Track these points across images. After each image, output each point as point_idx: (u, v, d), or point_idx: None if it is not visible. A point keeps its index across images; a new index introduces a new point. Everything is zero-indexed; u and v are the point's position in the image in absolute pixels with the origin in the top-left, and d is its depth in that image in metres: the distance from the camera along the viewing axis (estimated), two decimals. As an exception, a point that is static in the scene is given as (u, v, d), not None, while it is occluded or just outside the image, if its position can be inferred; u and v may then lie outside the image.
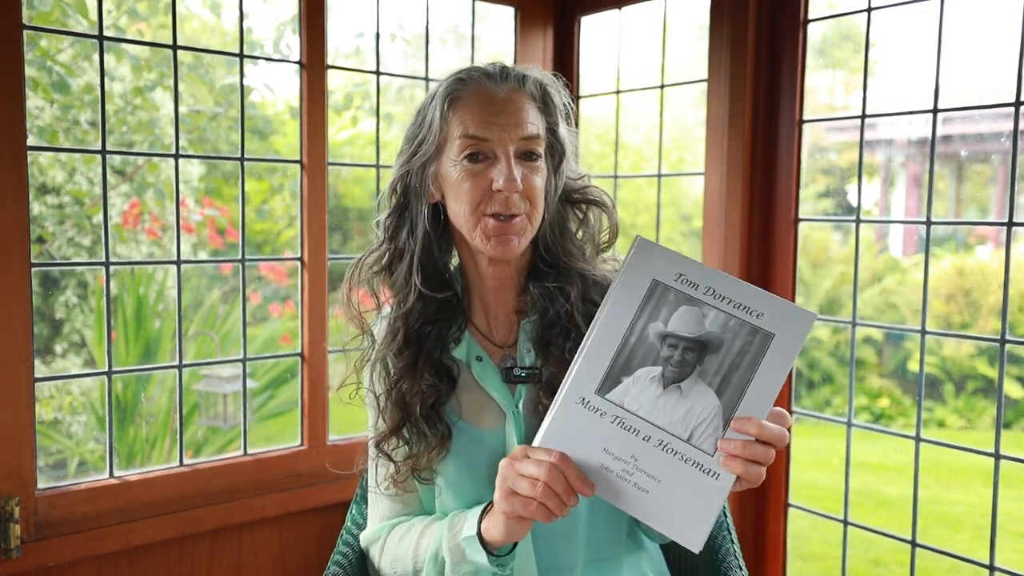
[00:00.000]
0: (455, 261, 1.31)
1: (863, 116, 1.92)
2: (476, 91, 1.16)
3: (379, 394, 1.25)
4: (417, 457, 1.21)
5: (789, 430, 1.00)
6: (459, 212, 1.17)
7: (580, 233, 1.29)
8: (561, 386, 1.03)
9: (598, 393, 1.01)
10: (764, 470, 0.99)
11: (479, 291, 1.27)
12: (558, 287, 1.22)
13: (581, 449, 1.01)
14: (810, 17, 1.97)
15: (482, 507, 1.13)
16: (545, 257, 1.26)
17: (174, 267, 1.97)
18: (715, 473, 0.98)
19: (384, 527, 1.30)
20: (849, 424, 1.99)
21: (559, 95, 1.23)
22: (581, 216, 1.29)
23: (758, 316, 0.99)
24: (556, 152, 1.23)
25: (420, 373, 1.21)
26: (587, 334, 1.04)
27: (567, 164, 1.25)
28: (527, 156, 1.16)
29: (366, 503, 1.53)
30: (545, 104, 1.20)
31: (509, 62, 1.24)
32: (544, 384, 1.20)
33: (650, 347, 1.01)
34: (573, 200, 1.28)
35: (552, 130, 1.21)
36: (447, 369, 1.23)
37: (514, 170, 1.13)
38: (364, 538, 1.35)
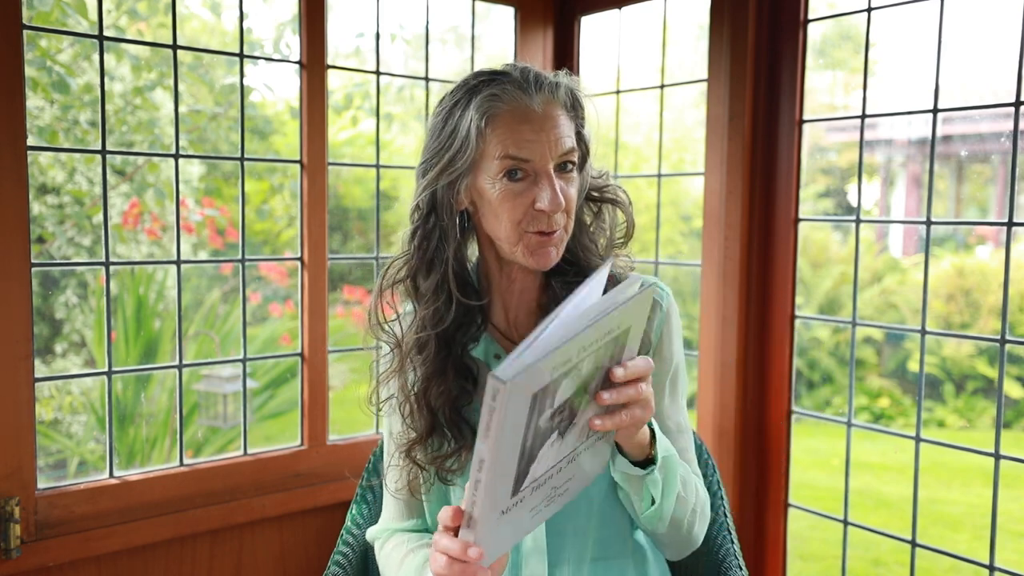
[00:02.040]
0: (472, 257, 1.31)
1: (863, 116, 1.92)
2: (513, 108, 1.14)
3: (403, 399, 1.25)
4: (443, 460, 1.22)
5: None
6: (498, 228, 1.17)
7: (592, 228, 1.30)
8: (468, 510, 0.92)
9: (513, 496, 0.94)
10: (640, 411, 0.98)
11: (501, 292, 1.27)
12: (578, 282, 1.22)
13: (515, 532, 0.99)
14: (810, 17, 1.97)
15: None
16: (565, 254, 1.26)
17: (174, 267, 1.97)
18: (599, 436, 1.02)
19: (386, 532, 1.35)
20: (849, 424, 1.99)
21: (583, 99, 1.23)
22: (595, 211, 1.29)
23: (619, 327, 0.93)
24: (581, 154, 1.23)
25: (447, 375, 1.21)
26: (476, 465, 0.88)
27: (590, 164, 1.26)
28: (562, 167, 1.17)
29: (366, 503, 1.53)
30: (575, 110, 1.20)
31: (523, 67, 1.22)
32: None
33: (546, 430, 0.92)
34: (591, 197, 1.29)
35: (579, 133, 1.21)
36: (469, 369, 1.23)
37: (557, 190, 1.13)
38: (369, 533, 1.39)
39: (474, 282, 1.27)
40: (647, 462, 1.11)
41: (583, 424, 0.97)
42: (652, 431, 1.11)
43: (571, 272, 1.26)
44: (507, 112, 1.13)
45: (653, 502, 1.13)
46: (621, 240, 1.31)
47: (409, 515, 1.33)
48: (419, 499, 1.31)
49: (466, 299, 1.21)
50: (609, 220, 1.29)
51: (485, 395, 0.82)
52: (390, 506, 1.35)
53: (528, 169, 1.14)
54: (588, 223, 1.29)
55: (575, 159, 1.18)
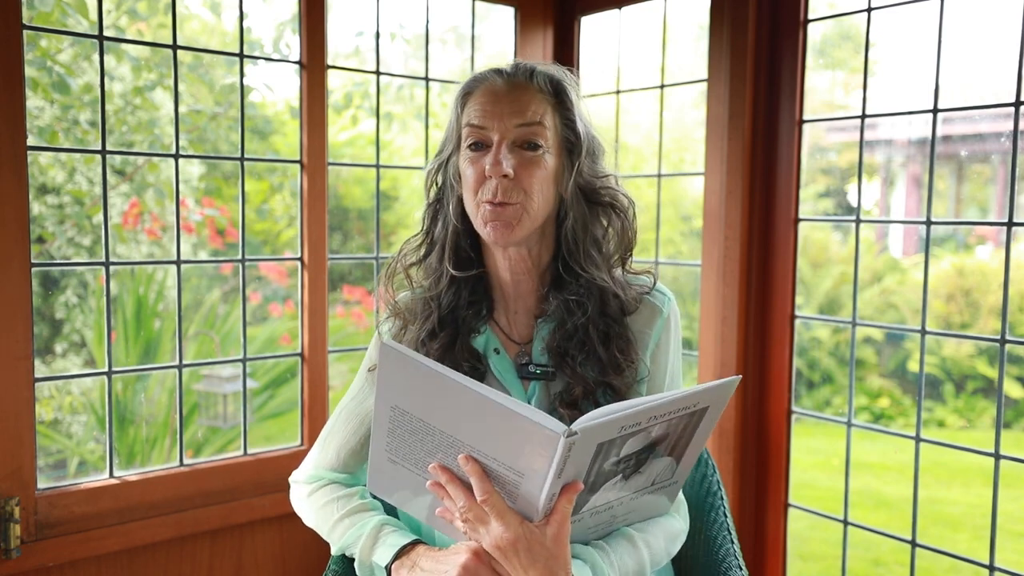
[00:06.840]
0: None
1: (863, 116, 1.92)
2: (484, 87, 1.21)
3: None
4: None
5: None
6: (466, 199, 1.22)
7: (603, 236, 1.25)
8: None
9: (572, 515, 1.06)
10: None
11: (499, 285, 1.28)
12: (576, 300, 1.21)
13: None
14: (810, 17, 1.97)
15: (401, 545, 1.15)
16: (567, 262, 1.23)
17: (174, 267, 1.97)
18: (674, 482, 1.16)
19: (317, 480, 1.32)
20: (849, 424, 1.99)
21: (575, 90, 1.23)
22: (606, 220, 1.25)
23: (695, 405, 1.02)
24: (575, 147, 1.21)
25: (459, 356, 1.23)
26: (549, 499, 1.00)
27: (587, 160, 1.22)
28: (528, 146, 1.18)
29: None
30: (559, 98, 1.21)
31: (510, 61, 1.25)
32: (560, 392, 1.21)
33: (609, 471, 1.03)
34: (590, 199, 1.23)
35: (569, 125, 1.21)
36: (478, 355, 1.26)
37: (503, 156, 1.16)
38: (294, 476, 1.35)
39: (478, 259, 1.28)
40: None
41: (651, 474, 1.09)
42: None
43: (571, 285, 1.22)
44: (478, 90, 1.21)
45: None
46: (618, 254, 1.26)
47: (344, 468, 1.31)
48: (364, 457, 1.29)
49: (461, 272, 1.24)
50: (619, 229, 1.25)
51: (560, 446, 0.92)
52: (329, 453, 1.31)
53: (487, 140, 1.18)
54: (594, 229, 1.23)
55: (542, 139, 1.18)
